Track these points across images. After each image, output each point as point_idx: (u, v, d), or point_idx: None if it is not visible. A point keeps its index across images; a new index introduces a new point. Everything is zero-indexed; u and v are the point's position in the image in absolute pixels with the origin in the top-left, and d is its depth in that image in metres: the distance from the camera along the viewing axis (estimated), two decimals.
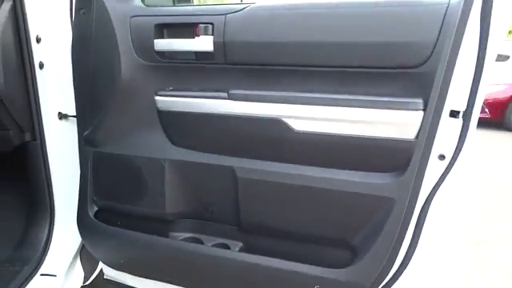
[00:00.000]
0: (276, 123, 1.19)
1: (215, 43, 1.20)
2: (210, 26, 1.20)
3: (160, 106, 1.33)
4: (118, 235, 1.43)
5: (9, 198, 1.66)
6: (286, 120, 1.18)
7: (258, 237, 1.34)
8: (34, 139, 1.45)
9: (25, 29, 1.33)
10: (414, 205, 1.09)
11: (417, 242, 1.12)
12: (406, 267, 1.14)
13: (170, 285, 1.46)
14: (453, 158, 1.05)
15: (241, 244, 1.38)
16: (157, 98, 1.33)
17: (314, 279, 1.19)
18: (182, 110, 1.30)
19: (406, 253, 1.13)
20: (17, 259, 1.49)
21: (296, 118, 1.17)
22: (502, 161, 5.15)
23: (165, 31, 1.28)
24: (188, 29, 1.23)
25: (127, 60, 1.29)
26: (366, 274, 1.15)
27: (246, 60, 1.22)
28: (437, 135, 1.04)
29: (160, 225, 1.42)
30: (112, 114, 1.36)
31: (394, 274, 1.16)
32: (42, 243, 1.52)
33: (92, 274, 1.74)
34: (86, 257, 1.65)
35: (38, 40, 1.35)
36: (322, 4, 1.16)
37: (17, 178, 1.56)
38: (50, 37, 1.39)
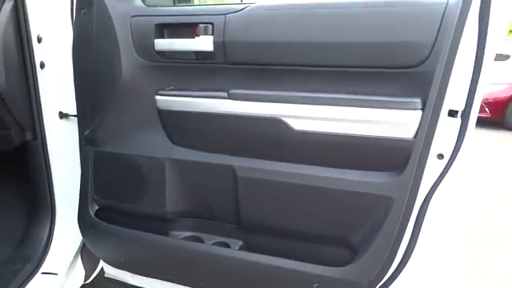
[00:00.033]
0: (276, 123, 1.19)
1: (215, 43, 1.21)
2: (210, 26, 1.21)
3: (160, 105, 1.34)
4: (119, 234, 1.43)
5: (10, 197, 1.66)
6: (286, 119, 1.18)
7: (257, 235, 1.35)
8: (35, 138, 1.45)
9: (26, 29, 1.33)
10: (413, 204, 1.10)
11: (416, 241, 1.13)
12: (404, 266, 1.15)
13: (170, 283, 1.47)
14: (451, 157, 1.06)
15: (241, 242, 1.39)
16: (157, 97, 1.34)
17: (314, 277, 1.19)
18: (182, 109, 1.31)
19: (405, 251, 1.14)
20: (18, 258, 1.50)
21: (295, 117, 1.18)
22: (502, 160, 5.15)
23: (165, 31, 1.29)
24: (188, 29, 1.24)
25: (128, 60, 1.30)
26: (365, 272, 1.15)
27: (245, 60, 1.22)
28: (435, 134, 1.05)
29: (160, 223, 1.42)
30: (112, 113, 1.37)
31: (393, 273, 1.16)
32: (43, 242, 1.53)
33: (93, 273, 1.75)
34: (87, 255, 1.65)
35: (39, 40, 1.36)
36: (321, 4, 1.16)
37: (18, 177, 1.56)
38: (51, 36, 1.40)
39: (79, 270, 1.66)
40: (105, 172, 1.45)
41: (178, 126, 1.36)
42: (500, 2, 0.95)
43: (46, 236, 1.54)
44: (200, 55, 1.26)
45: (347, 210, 1.19)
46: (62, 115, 1.47)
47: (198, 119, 1.30)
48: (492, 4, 0.95)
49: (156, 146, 1.37)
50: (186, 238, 1.43)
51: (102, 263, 1.70)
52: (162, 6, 1.51)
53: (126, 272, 1.56)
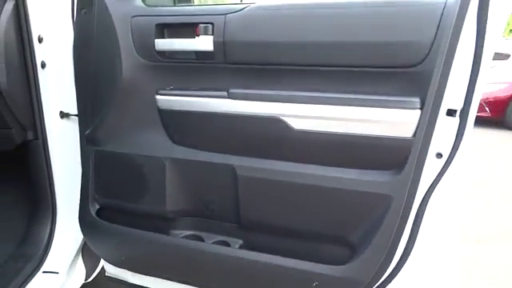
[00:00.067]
0: (275, 122, 1.20)
1: (215, 43, 1.21)
2: (210, 26, 1.21)
3: (161, 104, 1.35)
4: (120, 233, 1.44)
5: (11, 196, 1.67)
6: (286, 119, 1.19)
7: (257, 234, 1.35)
8: (36, 138, 1.46)
9: (27, 28, 1.34)
10: (412, 202, 1.10)
11: (415, 240, 1.13)
12: (404, 264, 1.15)
13: (171, 282, 1.48)
14: (450, 156, 1.06)
15: (241, 241, 1.39)
16: (157, 97, 1.34)
17: (314, 276, 1.20)
18: (182, 108, 1.31)
19: (404, 250, 1.14)
20: (19, 256, 1.50)
21: (295, 116, 1.18)
22: (502, 159, 5.15)
23: (165, 31, 1.29)
24: (188, 29, 1.25)
25: (128, 59, 1.30)
26: (365, 270, 1.16)
27: (245, 59, 1.23)
28: (434, 133, 1.05)
29: (161, 222, 1.43)
30: (113, 113, 1.37)
31: (392, 271, 1.17)
32: (44, 241, 1.53)
33: (94, 272, 1.75)
34: (88, 254, 1.66)
35: (40, 40, 1.37)
36: (321, 4, 1.16)
37: (19, 177, 1.57)
38: (52, 36, 1.40)
39: (80, 268, 1.67)
40: (105, 171, 1.45)
41: (179, 125, 1.36)
42: (498, 2, 0.95)
43: (47, 235, 1.54)
44: (200, 55, 1.26)
45: (346, 208, 1.19)
46: (63, 115, 1.48)
47: (198, 119, 1.30)
48: (490, 3, 0.95)
49: (156, 145, 1.37)
50: (187, 237, 1.43)
51: (102, 262, 1.70)
52: (163, 6, 1.52)
53: (126, 271, 1.56)
